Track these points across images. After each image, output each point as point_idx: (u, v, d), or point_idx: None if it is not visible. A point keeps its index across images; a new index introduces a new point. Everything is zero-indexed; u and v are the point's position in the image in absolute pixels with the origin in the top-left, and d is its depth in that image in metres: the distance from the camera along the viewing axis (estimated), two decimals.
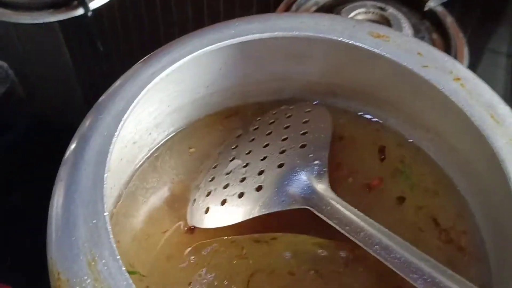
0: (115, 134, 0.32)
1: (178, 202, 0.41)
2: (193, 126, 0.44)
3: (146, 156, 0.42)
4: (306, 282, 0.35)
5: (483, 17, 0.72)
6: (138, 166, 0.41)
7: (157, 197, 0.41)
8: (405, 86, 0.39)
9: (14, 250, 0.47)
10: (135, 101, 0.33)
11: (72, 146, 0.32)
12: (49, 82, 0.60)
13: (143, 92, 0.34)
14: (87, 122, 0.33)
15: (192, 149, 0.43)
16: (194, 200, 0.39)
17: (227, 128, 0.44)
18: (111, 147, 0.31)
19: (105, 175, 0.30)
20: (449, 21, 0.64)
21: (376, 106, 0.44)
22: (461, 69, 0.36)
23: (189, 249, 0.37)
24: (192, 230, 0.38)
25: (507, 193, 0.32)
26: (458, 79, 0.35)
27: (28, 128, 0.57)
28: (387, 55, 0.36)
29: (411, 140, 0.42)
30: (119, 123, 0.32)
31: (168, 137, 0.43)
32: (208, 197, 0.39)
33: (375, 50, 0.37)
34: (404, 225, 0.38)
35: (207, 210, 0.38)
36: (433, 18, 0.64)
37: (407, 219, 0.38)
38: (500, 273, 0.36)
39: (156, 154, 0.42)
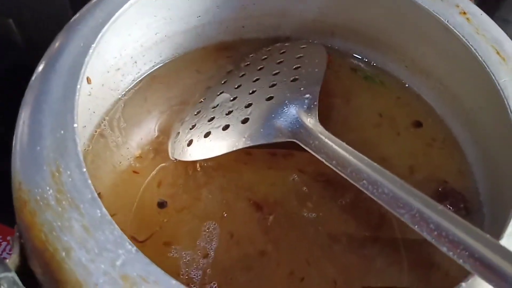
0: (92, 45, 0.30)
1: (162, 136, 0.38)
2: (182, 58, 0.42)
3: (130, 86, 0.40)
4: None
5: None
6: (120, 96, 0.39)
7: (139, 129, 0.39)
8: (408, 24, 0.37)
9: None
10: (117, 13, 0.31)
11: (45, 57, 0.30)
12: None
13: (126, 5, 0.31)
14: (60, 36, 0.31)
15: (179, 82, 0.41)
16: (178, 133, 0.37)
17: (218, 63, 0.42)
18: (87, 58, 0.29)
19: (78, 87, 0.28)
20: None
21: (376, 49, 0.42)
22: (468, 3, 0.33)
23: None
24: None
25: (510, 133, 0.30)
26: (464, 13, 0.32)
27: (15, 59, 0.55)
28: None
29: (409, 86, 0.40)
30: (98, 34, 0.30)
31: (155, 68, 0.41)
32: (192, 130, 0.37)
33: None
34: None
35: (189, 143, 0.36)
36: None
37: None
38: (492, 227, 0.34)
39: (140, 85, 0.40)
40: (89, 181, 0.25)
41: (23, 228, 0.25)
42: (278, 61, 0.39)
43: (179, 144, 0.37)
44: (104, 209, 0.25)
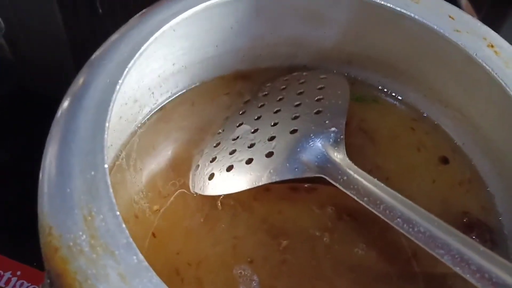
0: (119, 81, 0.29)
1: (179, 168, 0.38)
2: (199, 88, 0.41)
3: (147, 117, 0.39)
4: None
5: (495, 5, 0.70)
6: (138, 127, 0.38)
7: (156, 162, 0.38)
8: (429, 54, 0.36)
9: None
10: (143, 48, 0.30)
11: (70, 91, 0.29)
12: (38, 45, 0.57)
13: (151, 39, 0.31)
14: (84, 71, 0.30)
15: (196, 113, 0.40)
16: (198, 166, 0.37)
17: (235, 92, 0.41)
18: (114, 95, 0.28)
19: (107, 125, 0.27)
20: (464, 2, 0.62)
21: (394, 78, 0.41)
22: (495, 36, 0.33)
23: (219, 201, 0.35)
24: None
25: None
26: (492, 46, 0.32)
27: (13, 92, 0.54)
28: (416, 17, 0.34)
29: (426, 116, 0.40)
30: (125, 69, 0.29)
31: (172, 98, 0.40)
32: (213, 163, 0.36)
33: (403, 11, 0.34)
34: None
35: (211, 177, 0.35)
36: None
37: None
38: None
39: (157, 116, 0.39)
40: (123, 225, 0.24)
41: (54, 276, 0.24)
42: (299, 91, 0.38)
43: (200, 178, 0.36)
44: (140, 255, 0.24)
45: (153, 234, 0.33)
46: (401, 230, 0.28)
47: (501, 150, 0.36)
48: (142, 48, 0.31)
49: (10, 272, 0.42)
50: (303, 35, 0.41)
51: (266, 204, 0.35)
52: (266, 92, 0.40)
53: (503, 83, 0.31)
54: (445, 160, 0.38)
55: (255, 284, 0.32)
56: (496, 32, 0.64)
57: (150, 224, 0.34)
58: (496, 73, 0.31)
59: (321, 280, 0.32)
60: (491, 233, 0.36)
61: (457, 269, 0.26)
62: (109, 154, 0.36)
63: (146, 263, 0.24)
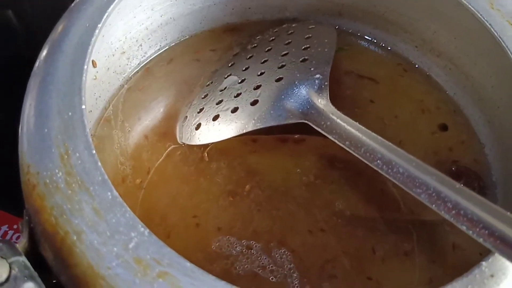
0: (98, 25, 0.29)
1: (168, 121, 0.38)
2: (188, 41, 0.41)
3: (136, 70, 0.39)
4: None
5: None
6: (126, 79, 0.38)
7: (146, 115, 0.38)
8: (420, 3, 0.36)
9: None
10: None
11: (50, 38, 0.29)
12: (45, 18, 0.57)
13: None
14: (66, 15, 0.30)
15: (185, 66, 0.40)
16: (186, 117, 0.37)
17: (225, 46, 0.41)
18: (93, 38, 0.28)
19: (85, 67, 0.27)
20: None
21: (385, 29, 0.41)
22: None
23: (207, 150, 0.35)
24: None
25: None
26: None
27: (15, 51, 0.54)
28: None
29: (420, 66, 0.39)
30: (104, 14, 0.29)
31: (160, 51, 0.40)
32: (200, 113, 0.36)
33: None
34: None
35: (198, 126, 0.35)
36: None
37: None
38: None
39: (146, 68, 0.39)
40: (99, 164, 0.25)
41: (32, 212, 0.25)
42: (286, 42, 0.38)
43: (187, 128, 0.36)
44: (115, 191, 0.24)
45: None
46: (381, 171, 0.28)
47: (491, 98, 0.36)
48: None
49: (7, 225, 0.43)
50: None
51: (255, 154, 0.35)
52: (255, 44, 0.40)
53: (487, 24, 0.31)
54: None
55: (232, 239, 0.32)
56: None
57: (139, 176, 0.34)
58: (481, 14, 0.31)
59: (310, 225, 0.32)
60: (479, 180, 0.36)
61: (434, 207, 0.26)
62: (98, 105, 0.36)
63: (120, 199, 0.24)
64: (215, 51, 0.41)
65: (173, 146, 0.35)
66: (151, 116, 0.37)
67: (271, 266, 0.30)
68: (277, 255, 0.31)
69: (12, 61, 0.57)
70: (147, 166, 0.34)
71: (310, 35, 0.38)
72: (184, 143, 0.36)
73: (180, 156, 0.35)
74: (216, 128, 0.34)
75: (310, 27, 0.39)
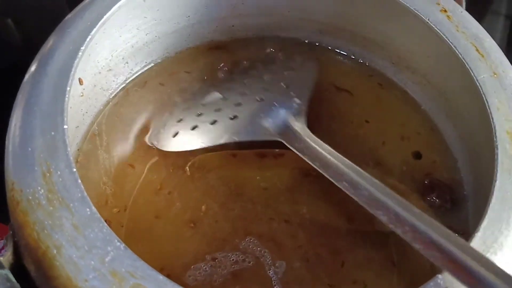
0: (82, 48, 0.30)
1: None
2: (173, 58, 0.42)
3: (122, 86, 0.41)
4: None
5: None
6: (112, 96, 0.40)
7: (131, 130, 0.39)
8: (393, 22, 0.37)
9: None
10: (106, 16, 0.32)
11: (36, 59, 0.31)
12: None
13: (115, 7, 0.32)
14: (51, 38, 0.32)
15: (170, 82, 0.41)
16: (164, 125, 0.38)
17: (209, 62, 0.43)
18: (76, 60, 0.30)
19: (68, 89, 0.29)
20: None
21: (363, 46, 0.42)
22: (449, 1, 0.34)
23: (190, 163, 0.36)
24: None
25: (488, 129, 0.30)
26: (445, 10, 0.33)
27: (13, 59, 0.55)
28: None
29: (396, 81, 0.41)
30: (87, 37, 0.31)
31: (146, 68, 0.42)
32: (180, 123, 0.38)
33: None
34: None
35: (175, 134, 0.37)
36: None
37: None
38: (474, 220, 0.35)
39: (131, 85, 0.41)
40: (79, 181, 0.26)
41: (16, 227, 0.26)
42: (270, 67, 0.40)
43: (164, 135, 0.37)
44: (93, 208, 0.26)
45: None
46: (347, 192, 0.30)
47: (462, 114, 0.37)
48: (106, 16, 0.32)
49: None
50: (274, 5, 0.42)
51: (233, 168, 0.37)
52: (241, 67, 0.42)
53: (452, 46, 0.32)
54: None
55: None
56: (488, 5, 0.65)
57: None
58: (446, 37, 0.32)
59: (284, 233, 0.34)
60: (451, 193, 0.37)
61: (392, 227, 0.27)
62: (85, 121, 0.38)
63: (98, 215, 0.25)
64: (200, 69, 0.42)
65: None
66: (135, 131, 0.39)
67: (243, 257, 0.32)
68: (245, 244, 0.32)
69: (10, 70, 0.58)
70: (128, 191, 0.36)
71: (293, 63, 0.39)
72: (155, 147, 0.37)
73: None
74: (192, 137, 0.36)
75: (294, 55, 0.41)
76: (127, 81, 0.41)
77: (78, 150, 0.36)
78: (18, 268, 0.26)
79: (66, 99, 0.29)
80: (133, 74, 0.41)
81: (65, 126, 0.28)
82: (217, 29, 0.43)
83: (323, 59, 0.43)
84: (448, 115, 0.39)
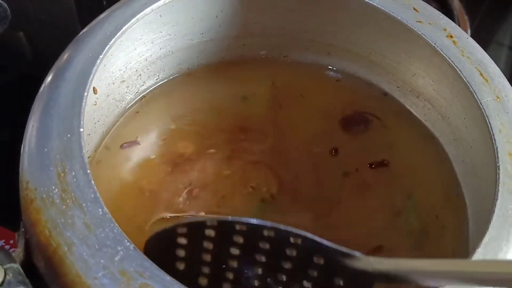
0: (100, 56, 0.32)
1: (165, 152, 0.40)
2: (185, 74, 0.43)
3: (135, 99, 0.42)
4: None
5: (491, 8, 0.72)
6: (126, 107, 0.41)
7: (142, 143, 0.40)
8: (399, 46, 0.39)
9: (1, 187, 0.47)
10: (124, 27, 0.33)
11: (55, 66, 0.32)
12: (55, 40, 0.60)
13: (133, 20, 0.33)
14: (71, 45, 0.33)
15: (181, 98, 0.43)
16: None
17: (219, 80, 0.44)
18: (95, 68, 0.31)
19: (85, 94, 0.30)
20: (457, 7, 0.63)
21: (370, 69, 0.44)
22: (455, 27, 0.35)
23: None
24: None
25: (491, 153, 0.31)
26: (451, 36, 0.34)
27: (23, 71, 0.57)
28: (382, 8, 0.36)
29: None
30: (106, 46, 0.32)
31: (159, 83, 0.43)
32: None
33: (371, 2, 0.36)
34: None
35: None
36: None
37: None
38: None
39: (144, 98, 0.42)
40: (92, 182, 0.27)
41: (28, 225, 0.27)
42: None
43: None
44: (105, 208, 0.26)
45: None
46: None
47: (465, 138, 0.38)
48: (124, 28, 0.33)
49: (3, 240, 0.45)
50: (285, 26, 0.43)
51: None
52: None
53: (458, 70, 0.33)
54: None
55: None
56: (492, 36, 0.66)
57: None
58: (452, 61, 0.33)
59: None
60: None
61: None
62: (97, 129, 0.39)
63: (109, 215, 0.26)
64: (211, 86, 0.43)
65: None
66: (145, 144, 0.40)
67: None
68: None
69: (21, 80, 0.60)
70: None
71: None
72: None
73: None
74: None
75: None
76: (139, 93, 0.42)
77: (88, 157, 0.37)
78: (28, 265, 0.27)
79: (83, 104, 0.30)
80: (146, 88, 0.42)
81: (81, 129, 0.29)
82: (228, 48, 0.44)
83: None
84: (451, 140, 0.40)
